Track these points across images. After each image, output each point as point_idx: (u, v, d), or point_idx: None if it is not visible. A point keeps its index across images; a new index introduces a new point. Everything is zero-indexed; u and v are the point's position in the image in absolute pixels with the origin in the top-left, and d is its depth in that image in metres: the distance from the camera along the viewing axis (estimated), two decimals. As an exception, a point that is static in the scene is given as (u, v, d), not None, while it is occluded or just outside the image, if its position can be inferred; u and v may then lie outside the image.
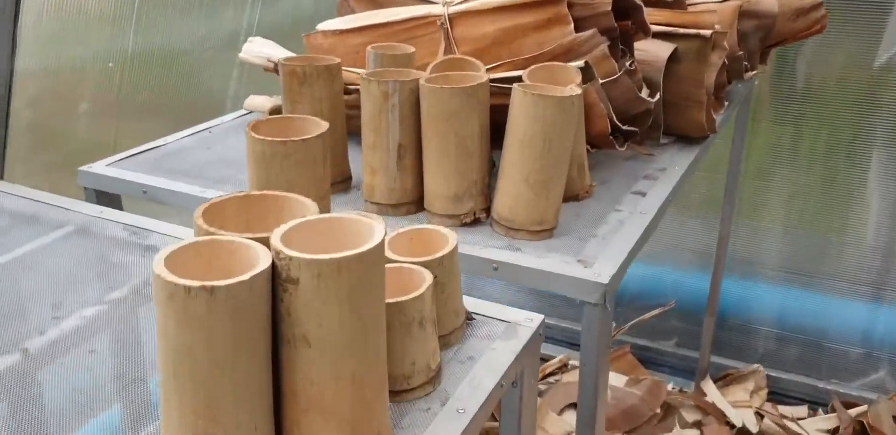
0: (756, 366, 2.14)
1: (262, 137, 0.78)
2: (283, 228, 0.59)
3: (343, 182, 1.16)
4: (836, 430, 1.89)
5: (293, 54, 1.43)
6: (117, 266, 0.95)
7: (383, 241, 0.58)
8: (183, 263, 0.57)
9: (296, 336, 0.57)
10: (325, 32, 1.45)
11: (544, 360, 2.17)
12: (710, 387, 2.03)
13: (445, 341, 0.78)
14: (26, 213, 1.06)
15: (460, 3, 1.36)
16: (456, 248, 0.77)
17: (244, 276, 0.53)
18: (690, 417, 1.82)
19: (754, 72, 1.71)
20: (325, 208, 0.81)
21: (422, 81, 1.03)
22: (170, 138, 1.38)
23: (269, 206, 0.67)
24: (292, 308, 0.56)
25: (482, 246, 1.02)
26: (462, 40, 1.34)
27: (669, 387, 2.07)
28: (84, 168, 1.24)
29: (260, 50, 1.42)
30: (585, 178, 1.18)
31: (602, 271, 0.95)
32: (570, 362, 2.12)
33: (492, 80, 1.18)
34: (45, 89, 1.97)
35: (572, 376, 1.99)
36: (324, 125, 0.81)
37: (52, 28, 1.93)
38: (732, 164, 1.96)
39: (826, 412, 2.01)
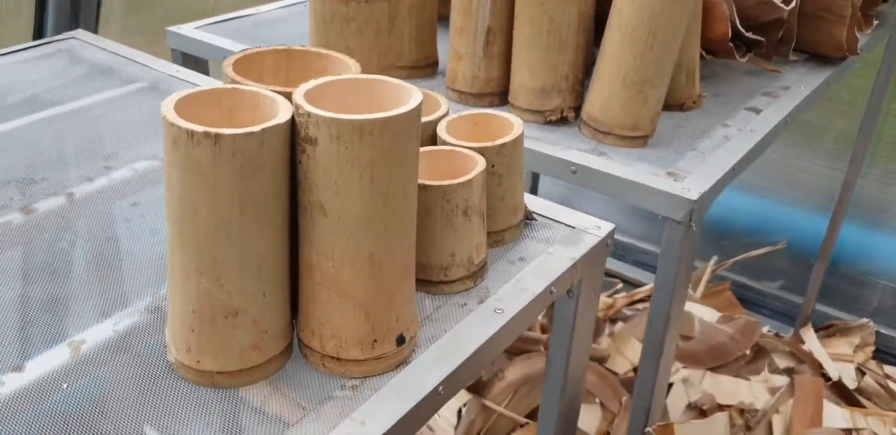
0: (865, 320, 1.98)
1: (324, -4, 0.71)
2: (313, 83, 0.52)
3: (428, 67, 1.09)
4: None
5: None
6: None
7: (418, 108, 0.50)
8: (200, 110, 0.52)
9: (312, 204, 0.51)
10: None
11: (636, 285, 2.08)
12: (810, 335, 1.89)
13: (498, 238, 0.71)
14: (104, 64, 1.04)
15: None
16: (521, 137, 0.69)
17: (255, 127, 0.48)
18: (782, 363, 1.70)
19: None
20: (387, 83, 0.74)
21: (522, -41, 0.93)
22: (263, 8, 1.33)
23: (311, 63, 0.61)
24: (310, 172, 0.50)
25: (563, 146, 0.93)
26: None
27: (765, 329, 1.95)
28: (173, 28, 1.20)
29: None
30: (695, 87, 1.05)
31: (693, 187, 0.85)
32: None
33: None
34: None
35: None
36: (395, -12, 0.73)
37: None
38: (874, 98, 1.76)
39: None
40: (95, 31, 1.96)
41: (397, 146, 0.50)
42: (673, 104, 1.05)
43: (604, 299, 1.87)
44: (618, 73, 0.92)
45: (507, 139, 0.68)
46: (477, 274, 0.66)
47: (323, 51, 0.60)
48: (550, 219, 0.75)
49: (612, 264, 2.22)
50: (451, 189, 0.61)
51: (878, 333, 1.94)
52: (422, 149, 0.66)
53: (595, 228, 0.74)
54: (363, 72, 0.73)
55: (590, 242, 0.72)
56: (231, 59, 0.57)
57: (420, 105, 0.51)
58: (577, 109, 0.99)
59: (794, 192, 2.10)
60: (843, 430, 1.52)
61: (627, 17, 0.89)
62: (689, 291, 1.99)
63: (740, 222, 2.21)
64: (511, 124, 0.70)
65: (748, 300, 2.11)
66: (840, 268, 2.07)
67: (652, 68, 0.91)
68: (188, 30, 1.19)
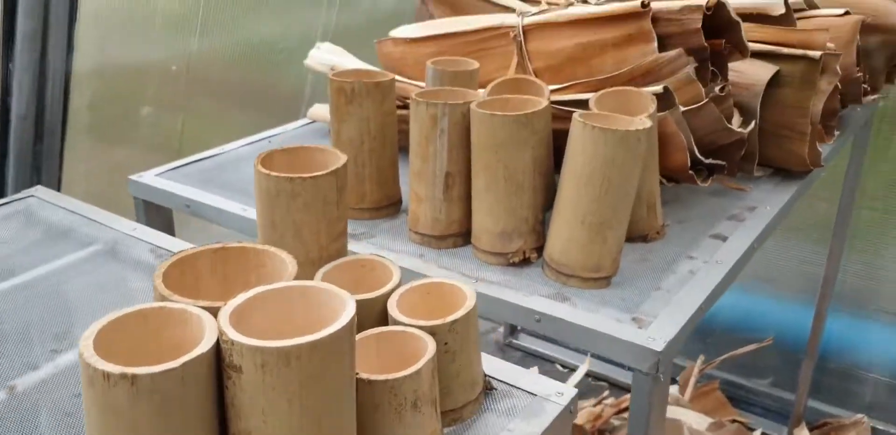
0: (860, 416, 1.94)
1: (267, 172, 0.70)
2: (242, 297, 0.51)
3: (391, 206, 1.08)
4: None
5: (358, 63, 1.36)
6: (135, 293, 0.90)
7: (351, 324, 0.49)
8: (127, 331, 0.50)
9: (240, 431, 0.49)
10: (395, 40, 1.37)
11: (623, 388, 2.04)
12: (803, 433, 1.85)
13: (456, 416, 0.69)
14: (62, 225, 1.03)
15: (537, 13, 1.25)
16: (474, 310, 0.67)
17: (174, 363, 0.46)
18: (775, 470, 1.65)
19: (876, 95, 1.52)
20: (338, 252, 0.73)
21: (473, 106, 0.94)
22: (228, 147, 1.34)
23: (249, 260, 0.60)
24: (236, 399, 0.48)
25: (527, 292, 0.91)
26: (536, 54, 1.23)
27: (758, 432, 1.90)
28: (134, 177, 1.20)
29: (327, 57, 1.36)
30: (656, 218, 1.05)
31: (658, 335, 0.83)
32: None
33: (557, 103, 1.07)
34: (106, 90, 1.97)
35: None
36: (342, 158, 0.72)
37: (111, 29, 1.92)
38: (845, 195, 1.77)
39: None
40: (59, 179, 1.96)
41: (328, 368, 0.48)
42: (636, 237, 1.04)
43: (590, 410, 1.82)
44: (575, 217, 0.91)
45: (458, 315, 0.66)
46: (431, 464, 0.63)
47: (259, 246, 0.59)
48: (511, 385, 0.73)
49: (598, 366, 2.18)
50: (399, 382, 0.59)
51: (873, 429, 1.90)
52: (370, 331, 0.64)
53: (557, 395, 0.72)
54: (313, 245, 0.72)
55: (552, 412, 0.70)
56: (164, 265, 0.56)
57: (353, 319, 0.49)
58: (540, 249, 0.98)
59: (781, 285, 2.08)
60: None
61: (581, 164, 0.89)
62: (678, 394, 1.95)
63: (726, 319, 2.19)
64: (464, 294, 0.69)
65: (739, 399, 2.07)
66: (829, 362, 2.04)
67: (609, 211, 0.91)
68: (149, 178, 1.19)
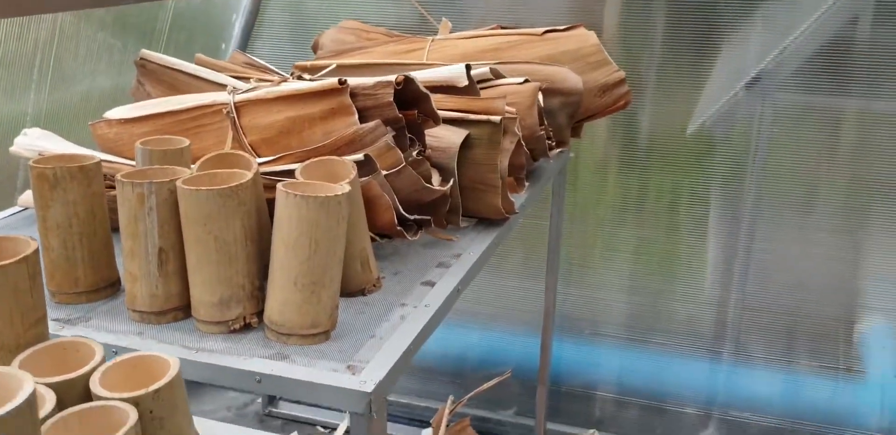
0: (591, 431, 2.16)
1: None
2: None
3: (109, 287, 1.09)
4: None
5: (70, 147, 1.36)
6: None
7: (30, 399, 0.52)
8: None
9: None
10: (109, 121, 1.38)
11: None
12: (546, 457, 2.03)
13: (171, 480, 0.72)
14: None
15: (248, 90, 1.33)
16: (178, 377, 0.72)
17: None
18: (522, 494, 1.79)
19: (560, 149, 1.75)
20: (37, 337, 0.74)
21: (178, 183, 0.99)
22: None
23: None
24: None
25: (247, 356, 0.96)
26: (250, 129, 1.31)
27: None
28: None
29: (35, 143, 1.34)
30: (371, 272, 1.15)
31: (369, 378, 0.92)
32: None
33: (267, 174, 1.15)
34: None
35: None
36: (32, 245, 0.75)
37: None
38: (552, 236, 1.99)
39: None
40: None
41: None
42: (353, 291, 1.13)
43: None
44: (288, 279, 0.98)
45: (161, 383, 0.70)
46: None
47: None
48: (228, 445, 0.78)
49: (393, 428, 2.26)
50: (101, 454, 0.62)
51: (605, 439, 2.12)
52: (70, 409, 0.66)
53: (272, 447, 0.77)
54: (7, 333, 0.73)
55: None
56: None
57: (30, 396, 0.52)
58: (261, 314, 1.03)
59: (514, 321, 2.28)
60: None
61: (287, 230, 0.97)
62: (433, 436, 2.05)
63: (473, 356, 2.34)
64: (168, 363, 0.73)
65: (489, 432, 2.23)
66: (563, 385, 2.25)
67: (319, 271, 0.99)
68: None
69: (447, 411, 2.14)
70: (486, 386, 2.19)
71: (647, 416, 2.21)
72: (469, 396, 2.19)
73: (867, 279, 2.09)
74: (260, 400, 2.36)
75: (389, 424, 2.25)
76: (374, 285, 1.15)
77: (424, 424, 2.19)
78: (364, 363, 0.95)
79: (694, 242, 2.16)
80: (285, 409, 2.34)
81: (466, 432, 2.12)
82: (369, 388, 0.90)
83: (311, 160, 1.12)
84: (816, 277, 2.11)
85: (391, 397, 2.35)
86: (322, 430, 2.21)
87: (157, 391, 0.69)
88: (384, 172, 1.18)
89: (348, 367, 0.95)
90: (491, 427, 2.26)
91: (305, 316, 0.99)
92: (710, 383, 2.19)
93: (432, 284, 1.18)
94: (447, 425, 2.10)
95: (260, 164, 1.18)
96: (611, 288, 2.23)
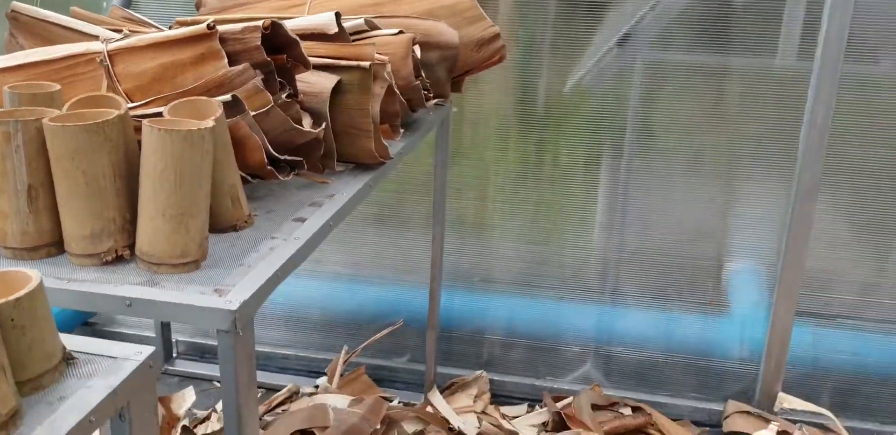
0: (479, 372, 2.27)
1: None
2: None
3: (-19, 227, 1.11)
4: (547, 423, 2.05)
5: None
6: None
7: None
8: None
9: None
10: (-21, 71, 1.38)
11: (275, 390, 2.18)
12: (435, 397, 2.13)
13: (36, 385, 0.77)
14: None
15: (120, 39, 1.36)
16: (39, 287, 0.77)
17: None
18: (412, 428, 1.89)
19: (436, 100, 1.82)
20: None
21: (45, 120, 1.02)
22: None
23: None
24: None
25: (119, 283, 1.01)
26: (124, 77, 1.33)
27: (396, 401, 2.15)
28: None
29: None
30: (242, 209, 1.20)
31: (235, 299, 0.98)
32: (301, 390, 2.15)
33: (137, 117, 1.18)
34: None
35: (301, 404, 2.01)
36: None
37: None
38: (437, 187, 2.07)
39: (541, 408, 2.17)
40: None
41: None
42: (225, 227, 1.18)
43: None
44: (156, 211, 1.03)
45: (22, 293, 0.75)
46: (8, 423, 0.71)
47: None
48: (92, 354, 0.83)
49: (293, 380, 2.32)
50: (-40, 351, 0.67)
51: (492, 380, 2.24)
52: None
53: (136, 354, 0.83)
54: None
55: (130, 367, 0.81)
56: None
57: None
58: (132, 247, 1.08)
59: (406, 274, 2.36)
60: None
61: (153, 163, 1.02)
62: (327, 383, 2.13)
63: (367, 311, 2.42)
64: (29, 277, 0.78)
65: (384, 379, 2.32)
66: (453, 331, 2.36)
67: (186, 202, 1.04)
68: None
69: (342, 361, 2.22)
70: (378, 335, 2.28)
71: (531, 355, 2.35)
72: (363, 345, 2.28)
73: (735, 224, 2.25)
74: (158, 359, 2.39)
75: (289, 376, 2.33)
76: (246, 222, 1.21)
77: (322, 374, 2.27)
78: (231, 287, 1.02)
79: (577, 192, 2.28)
80: (181, 366, 2.38)
81: (361, 380, 2.21)
82: (234, 307, 0.96)
83: (179, 101, 1.16)
84: (690, 223, 2.26)
85: (288, 351, 2.42)
86: (218, 385, 2.26)
87: (17, 300, 0.74)
88: (252, 113, 1.23)
89: (215, 290, 1.01)
90: (385, 374, 2.35)
91: (175, 246, 1.05)
92: (591, 324, 2.33)
93: (303, 220, 1.24)
94: (341, 375, 2.18)
95: (131, 108, 1.21)
96: (499, 238, 2.33)
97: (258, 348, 2.41)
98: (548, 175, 2.29)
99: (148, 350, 0.84)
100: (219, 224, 1.17)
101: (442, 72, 1.89)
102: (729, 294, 2.29)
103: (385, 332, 2.27)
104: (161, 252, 1.04)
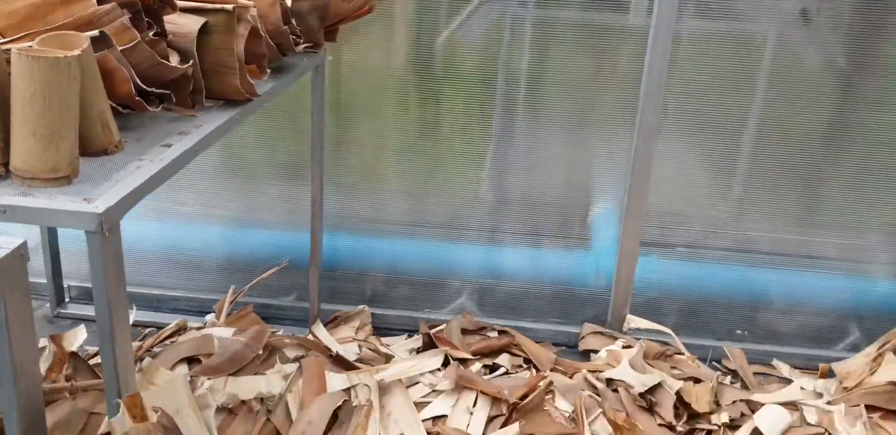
0: (362, 306, 2.44)
1: None
2: None
3: None
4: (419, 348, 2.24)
5: None
6: None
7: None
8: None
9: None
10: None
11: (161, 327, 2.30)
12: (319, 329, 2.28)
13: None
14: None
15: (-11, -20, 1.43)
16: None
17: None
18: (293, 354, 2.04)
19: (307, 45, 1.95)
20: None
21: (-83, 48, 1.11)
22: None
23: None
24: None
25: (-9, 196, 1.12)
26: (-4, 16, 1.42)
27: (281, 331, 2.30)
28: None
29: None
30: (112, 135, 1.32)
31: (101, 205, 1.10)
32: (189, 325, 2.27)
33: (8, 50, 1.28)
34: None
35: (188, 336, 2.13)
36: None
37: None
38: (315, 131, 2.21)
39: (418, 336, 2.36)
40: None
41: None
42: (97, 150, 1.30)
43: (133, 344, 2.05)
44: (28, 131, 1.14)
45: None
46: None
47: None
48: (-31, 245, 0.95)
49: (147, 316, 2.43)
50: None
51: (374, 314, 2.41)
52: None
53: (8, 244, 0.96)
54: None
55: (1, 254, 0.93)
56: None
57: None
58: (7, 165, 1.19)
59: (293, 217, 2.49)
60: (344, 390, 1.89)
61: (23, 88, 1.13)
62: (214, 319, 2.26)
63: (257, 254, 2.55)
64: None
65: (272, 317, 2.46)
66: (338, 270, 2.51)
67: (56, 124, 1.15)
68: None
69: (229, 299, 2.35)
70: (264, 275, 2.41)
71: (412, 291, 2.53)
72: (249, 284, 2.41)
73: (596, 170, 2.46)
74: (48, 305, 2.47)
75: (179, 315, 2.44)
76: (116, 147, 1.33)
77: (211, 313, 2.39)
78: (99, 197, 1.14)
79: (457, 140, 2.44)
80: (73, 309, 2.46)
81: (249, 317, 2.34)
82: (100, 210, 1.09)
83: (47, 35, 1.26)
84: (556, 169, 2.45)
85: (178, 293, 2.53)
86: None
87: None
88: (120, 48, 1.34)
89: (85, 199, 1.13)
90: (273, 312, 2.49)
91: (47, 162, 1.16)
92: (469, 261, 2.52)
93: (170, 146, 1.37)
94: (228, 313, 2.31)
95: (3, 42, 1.31)
96: (383, 183, 2.49)
97: (148, 291, 2.53)
98: (430, 124, 2.44)
99: (18, 241, 0.96)
100: (90, 148, 1.28)
101: (314, 21, 2.02)
102: (591, 230, 2.51)
103: (271, 271, 2.41)
104: (34, 168, 1.16)
